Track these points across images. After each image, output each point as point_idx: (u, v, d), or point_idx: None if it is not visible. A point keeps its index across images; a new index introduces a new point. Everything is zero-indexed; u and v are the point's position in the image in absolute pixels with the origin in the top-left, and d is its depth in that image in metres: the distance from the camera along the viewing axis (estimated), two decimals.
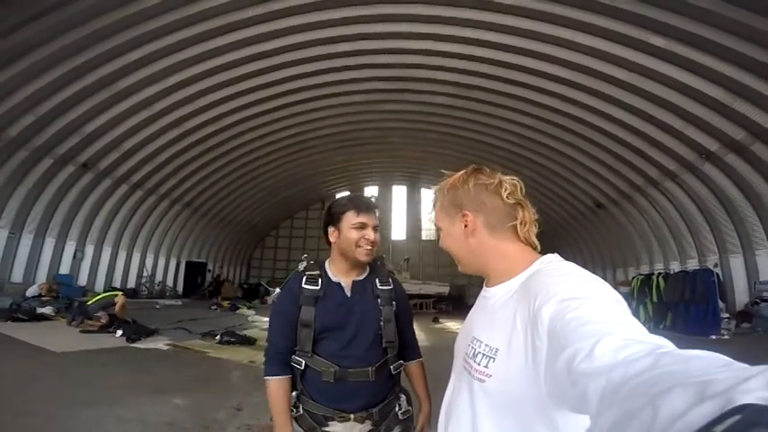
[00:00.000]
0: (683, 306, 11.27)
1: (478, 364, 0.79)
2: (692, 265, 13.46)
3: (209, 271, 23.06)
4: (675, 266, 14.25)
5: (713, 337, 9.75)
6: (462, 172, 0.92)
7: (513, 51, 11.88)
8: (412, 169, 25.04)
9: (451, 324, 13.51)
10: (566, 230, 20.20)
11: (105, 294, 9.24)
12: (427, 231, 29.04)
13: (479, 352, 0.80)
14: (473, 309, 0.97)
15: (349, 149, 20.83)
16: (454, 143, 18.29)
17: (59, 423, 3.37)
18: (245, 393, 4.42)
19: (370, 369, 1.38)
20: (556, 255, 0.86)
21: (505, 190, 0.86)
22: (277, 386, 1.40)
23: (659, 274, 13.25)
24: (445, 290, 21.60)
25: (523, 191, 0.88)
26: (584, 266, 0.76)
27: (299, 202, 27.83)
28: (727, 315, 10.90)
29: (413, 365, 1.59)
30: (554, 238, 20.16)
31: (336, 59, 13.43)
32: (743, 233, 11.98)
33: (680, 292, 11.50)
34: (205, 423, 3.58)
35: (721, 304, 10.87)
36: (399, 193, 29.32)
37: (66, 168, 13.37)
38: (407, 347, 1.57)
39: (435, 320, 15.05)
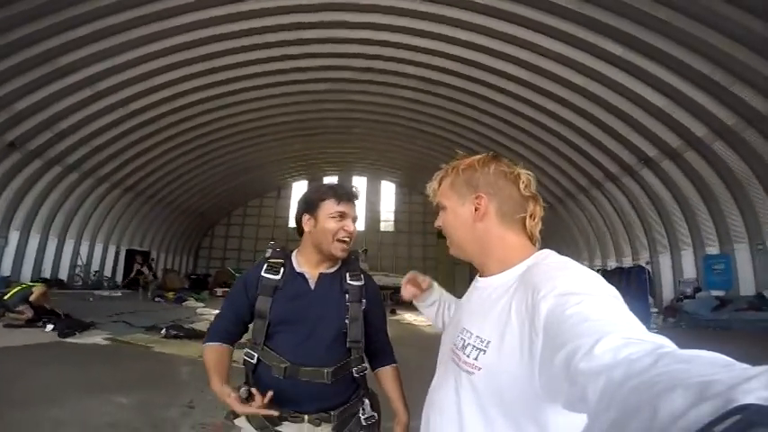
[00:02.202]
0: None
1: (468, 356, 0.77)
2: (627, 262, 14.60)
3: (146, 258, 18.67)
4: (612, 263, 15.40)
5: None
6: (482, 155, 0.92)
7: (479, 50, 12.11)
8: (373, 161, 24.93)
9: (408, 316, 13.71)
10: None
11: (23, 286, 8.08)
12: (386, 223, 29.14)
13: (469, 343, 0.78)
14: (463, 298, 0.96)
15: (309, 138, 20.32)
16: (417, 137, 18.45)
17: None
18: (196, 390, 4.16)
19: (325, 371, 1.25)
20: (552, 251, 0.86)
21: (523, 182, 0.86)
22: (211, 349, 1.32)
23: (598, 270, 13.90)
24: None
25: (536, 186, 0.88)
26: None
27: (254, 189, 26.78)
28: (655, 310, 11.72)
29: (386, 371, 1.44)
30: None
31: (299, 47, 13.03)
32: (671, 234, 13.16)
33: (616, 288, 12.27)
34: (154, 422, 3.35)
35: (650, 300, 11.70)
36: (359, 184, 29.12)
37: None
38: (380, 351, 1.44)
39: (393, 312, 15.19)
